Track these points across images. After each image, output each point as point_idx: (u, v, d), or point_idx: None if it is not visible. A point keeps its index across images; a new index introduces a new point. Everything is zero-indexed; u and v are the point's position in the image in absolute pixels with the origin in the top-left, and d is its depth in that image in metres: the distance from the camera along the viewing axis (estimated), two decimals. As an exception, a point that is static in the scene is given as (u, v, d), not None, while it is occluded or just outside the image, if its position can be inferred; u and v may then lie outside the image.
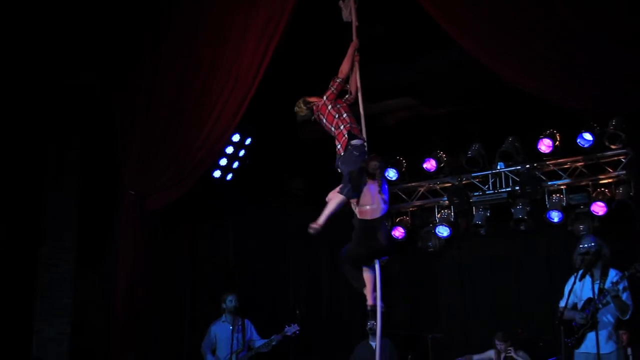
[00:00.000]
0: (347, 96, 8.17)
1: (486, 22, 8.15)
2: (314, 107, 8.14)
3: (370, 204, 7.63)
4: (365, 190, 7.65)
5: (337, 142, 7.93)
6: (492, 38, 8.19)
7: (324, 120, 8.06)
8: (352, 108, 8.11)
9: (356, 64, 8.21)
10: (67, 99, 10.40)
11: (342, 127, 7.90)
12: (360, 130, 7.92)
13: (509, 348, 10.54)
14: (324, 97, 8.03)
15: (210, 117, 9.56)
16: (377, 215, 7.65)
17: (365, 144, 7.87)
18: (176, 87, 9.86)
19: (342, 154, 7.84)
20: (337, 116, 7.96)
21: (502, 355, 10.60)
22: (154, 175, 10.00)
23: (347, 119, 7.92)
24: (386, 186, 7.84)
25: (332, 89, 8.04)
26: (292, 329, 10.11)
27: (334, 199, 7.70)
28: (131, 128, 10.18)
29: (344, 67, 8.16)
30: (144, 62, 10.22)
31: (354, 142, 7.82)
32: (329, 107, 8.02)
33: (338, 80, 8.06)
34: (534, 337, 10.63)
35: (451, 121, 12.47)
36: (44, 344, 10.30)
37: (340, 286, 12.62)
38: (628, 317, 7.74)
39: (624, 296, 7.69)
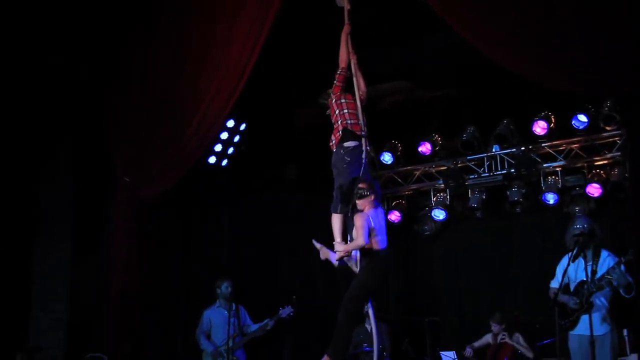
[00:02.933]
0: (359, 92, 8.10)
1: (480, 6, 8.13)
2: (328, 100, 8.14)
3: (379, 234, 7.55)
4: (373, 218, 7.58)
5: (332, 137, 7.92)
6: (486, 22, 8.18)
7: (331, 114, 8.06)
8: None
9: (350, 47, 8.15)
10: (59, 90, 10.37)
11: (339, 122, 7.87)
12: (361, 127, 7.87)
13: (503, 334, 10.57)
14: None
15: (201, 105, 9.55)
16: (385, 244, 7.61)
17: (364, 141, 7.81)
18: (167, 76, 9.85)
19: (334, 151, 7.83)
20: (337, 111, 7.92)
21: (499, 338, 10.64)
22: (147, 164, 10.01)
23: (346, 114, 7.86)
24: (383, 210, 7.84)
25: (336, 81, 8.01)
26: (286, 311, 10.12)
27: (334, 220, 7.73)
28: (122, 117, 10.18)
29: (342, 55, 8.12)
30: (135, 51, 10.22)
31: (347, 144, 7.78)
32: (334, 100, 8.00)
33: (339, 72, 8.02)
34: (530, 319, 10.63)
35: (446, 104, 12.44)
36: (41, 332, 10.37)
37: (335, 272, 12.61)
38: (633, 294, 7.72)
39: (626, 275, 7.68)
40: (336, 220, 7.77)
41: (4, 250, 10.23)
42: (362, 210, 7.53)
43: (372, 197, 7.56)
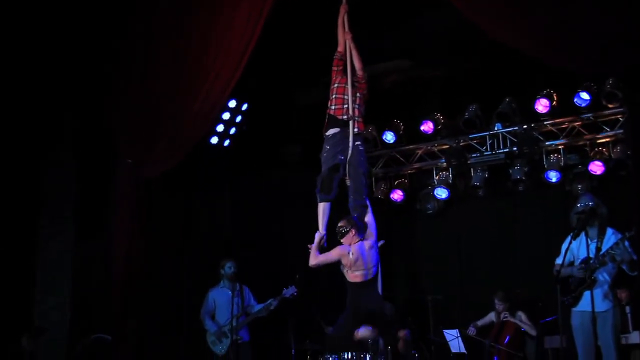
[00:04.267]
0: (354, 73, 8.07)
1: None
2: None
3: (359, 269, 7.79)
4: (355, 252, 7.74)
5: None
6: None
7: None
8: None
9: (346, 27, 8.12)
10: (60, 73, 10.36)
11: (328, 106, 7.89)
12: (344, 110, 7.85)
13: (506, 313, 10.61)
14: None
15: (203, 85, 9.53)
16: (371, 277, 7.81)
17: (351, 124, 7.79)
18: (168, 56, 9.83)
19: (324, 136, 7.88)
20: (330, 95, 7.93)
21: (502, 315, 10.67)
22: (149, 144, 10.00)
23: (333, 100, 7.90)
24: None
25: (333, 66, 7.99)
26: (289, 291, 10.15)
27: (319, 208, 7.79)
28: (124, 97, 10.16)
29: (340, 37, 8.11)
30: (136, 30, 10.17)
31: (328, 132, 7.81)
32: (332, 85, 8.01)
33: (334, 55, 8.01)
34: (533, 297, 10.66)
35: (448, 83, 12.42)
36: (45, 314, 10.42)
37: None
38: (637, 272, 7.75)
39: (630, 251, 7.69)
40: (320, 209, 7.82)
41: (8, 234, 10.24)
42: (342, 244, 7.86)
43: (353, 231, 7.71)
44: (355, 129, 7.87)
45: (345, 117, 7.81)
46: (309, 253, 8.32)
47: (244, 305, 10.13)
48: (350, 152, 7.82)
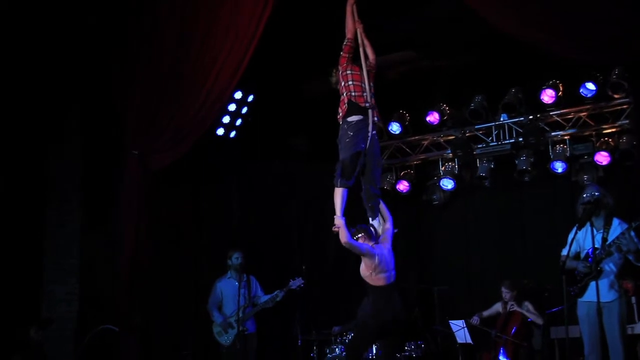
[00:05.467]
0: (367, 61, 8.06)
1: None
2: (337, 73, 8.12)
3: (385, 271, 7.79)
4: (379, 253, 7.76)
5: (339, 109, 7.91)
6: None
7: (338, 86, 8.05)
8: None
9: (355, 16, 8.10)
10: (68, 60, 10.38)
11: (344, 94, 7.86)
12: (366, 98, 7.86)
13: (512, 303, 10.62)
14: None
15: (209, 75, 9.49)
16: (392, 280, 7.79)
17: (371, 112, 7.80)
18: (174, 46, 9.80)
19: (340, 124, 7.85)
20: (343, 83, 7.91)
21: (509, 305, 10.69)
22: (155, 134, 9.99)
23: (351, 86, 7.83)
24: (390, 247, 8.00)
25: (342, 53, 7.98)
26: (296, 282, 10.18)
27: (336, 193, 7.77)
28: (131, 88, 10.14)
29: (348, 25, 8.06)
30: (143, 20, 10.15)
31: (350, 118, 7.78)
32: (341, 72, 7.98)
33: (345, 42, 7.99)
34: (539, 287, 10.67)
35: (453, 73, 12.41)
36: (53, 304, 10.45)
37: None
38: None
39: (636, 241, 7.69)
40: (338, 195, 7.80)
41: (16, 225, 10.27)
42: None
43: (363, 236, 7.92)
44: (375, 118, 7.86)
45: (367, 104, 7.81)
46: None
47: (250, 296, 10.16)
48: (369, 142, 7.78)
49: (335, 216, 7.73)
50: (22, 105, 10.33)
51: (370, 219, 7.98)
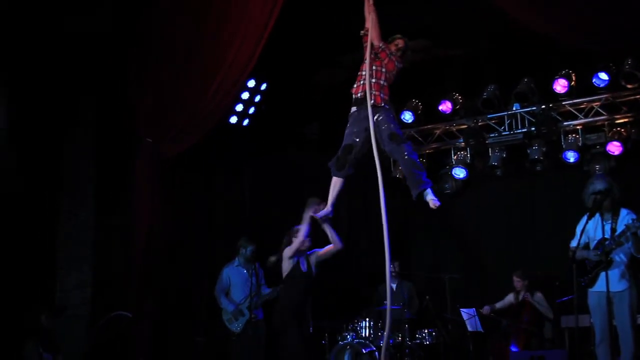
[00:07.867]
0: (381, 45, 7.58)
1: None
2: None
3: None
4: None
5: None
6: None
7: None
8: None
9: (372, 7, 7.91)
10: (82, 50, 10.42)
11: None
12: (363, 87, 7.37)
13: (526, 293, 10.64)
14: None
15: (222, 64, 9.51)
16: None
17: (368, 97, 7.23)
18: (188, 35, 9.84)
19: None
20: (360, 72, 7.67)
21: (521, 294, 10.71)
22: (169, 122, 10.04)
23: (358, 76, 7.63)
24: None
25: (364, 42, 7.72)
26: None
27: (332, 182, 7.77)
28: (144, 77, 10.20)
29: (366, 14, 7.87)
30: (156, 10, 10.19)
31: (352, 109, 7.58)
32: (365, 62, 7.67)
33: (362, 32, 7.72)
34: (550, 277, 10.68)
35: (466, 63, 12.40)
36: (67, 292, 10.53)
37: (359, 230, 12.70)
38: None
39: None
40: (332, 184, 7.79)
41: (30, 213, 10.34)
42: None
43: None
44: (372, 101, 7.24)
45: (359, 95, 7.46)
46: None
47: (258, 285, 10.17)
48: (372, 130, 7.08)
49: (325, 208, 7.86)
50: (39, 97, 10.38)
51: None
